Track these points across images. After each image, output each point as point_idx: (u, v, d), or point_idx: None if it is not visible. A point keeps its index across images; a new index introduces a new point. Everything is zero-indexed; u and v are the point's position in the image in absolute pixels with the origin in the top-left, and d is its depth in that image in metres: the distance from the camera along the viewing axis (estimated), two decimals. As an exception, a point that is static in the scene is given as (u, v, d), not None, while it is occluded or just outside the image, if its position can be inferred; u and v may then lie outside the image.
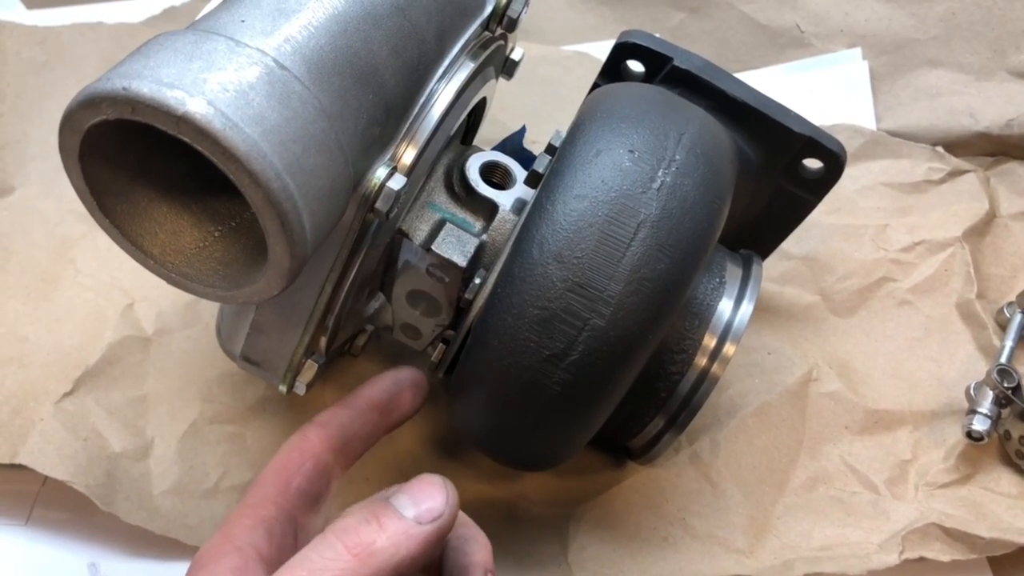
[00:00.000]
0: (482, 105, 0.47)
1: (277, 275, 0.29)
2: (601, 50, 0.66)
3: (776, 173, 0.47)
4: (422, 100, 0.37)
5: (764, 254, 0.51)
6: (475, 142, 0.50)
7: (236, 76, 0.27)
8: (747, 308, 0.41)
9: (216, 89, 0.27)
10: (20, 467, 0.44)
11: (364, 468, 0.47)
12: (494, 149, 0.46)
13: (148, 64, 0.27)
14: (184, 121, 0.26)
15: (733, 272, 0.43)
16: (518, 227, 0.38)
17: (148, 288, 0.52)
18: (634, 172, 0.35)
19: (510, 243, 0.37)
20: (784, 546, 0.45)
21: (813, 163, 0.46)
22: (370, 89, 0.33)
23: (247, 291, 0.30)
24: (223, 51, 0.28)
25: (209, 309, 0.52)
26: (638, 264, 0.34)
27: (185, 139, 0.26)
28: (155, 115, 0.26)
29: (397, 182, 0.35)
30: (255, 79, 0.28)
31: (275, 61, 0.29)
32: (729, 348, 0.40)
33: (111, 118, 0.27)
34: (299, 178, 0.28)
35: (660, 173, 0.36)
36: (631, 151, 0.36)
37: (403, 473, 0.47)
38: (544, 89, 0.65)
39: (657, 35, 0.46)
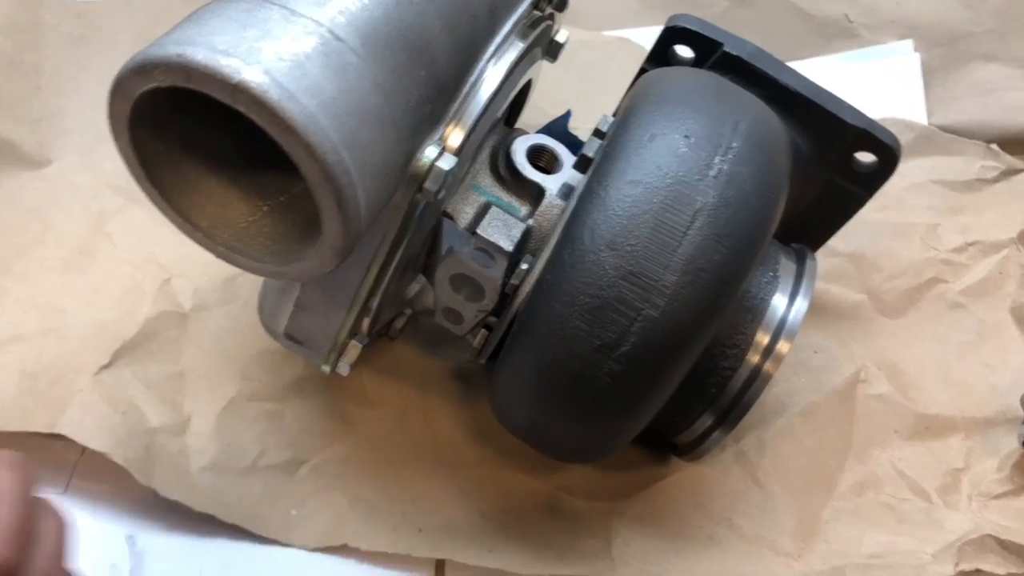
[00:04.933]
0: (527, 87, 0.46)
1: (330, 252, 0.28)
2: (643, 36, 0.65)
3: (827, 166, 0.46)
4: (472, 79, 0.36)
5: (811, 250, 0.50)
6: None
7: (292, 46, 0.26)
8: (802, 305, 0.39)
9: (272, 58, 0.26)
10: (58, 437, 0.44)
11: (402, 452, 0.47)
12: (539, 132, 0.45)
13: (201, 31, 0.26)
14: (239, 90, 0.25)
15: (787, 267, 0.41)
16: (568, 212, 0.37)
17: (185, 264, 0.51)
18: (690, 158, 0.34)
19: (559, 229, 0.37)
20: (833, 551, 0.43)
21: (866, 156, 0.45)
22: (422, 65, 0.32)
23: (298, 267, 0.29)
24: (278, 20, 0.27)
25: (246, 286, 0.51)
26: (694, 254, 0.33)
27: (240, 108, 0.25)
28: (210, 83, 0.25)
29: (447, 162, 0.34)
30: (311, 50, 0.27)
31: (330, 32, 0.28)
32: (783, 346, 0.39)
33: (163, 85, 0.26)
34: (355, 153, 0.27)
35: (717, 160, 0.35)
36: (687, 136, 0.35)
37: (442, 460, 0.47)
38: (584, 75, 0.63)
39: (705, 20, 0.45)
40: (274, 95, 0.25)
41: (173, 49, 0.26)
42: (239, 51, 0.26)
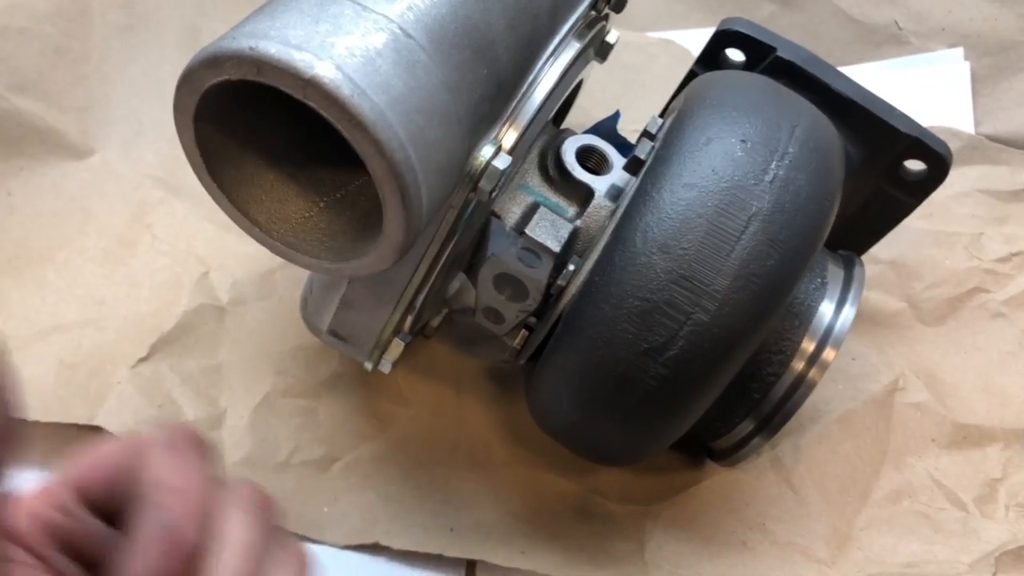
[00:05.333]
0: (577, 87, 0.46)
1: (390, 249, 0.28)
2: (687, 38, 0.64)
3: (876, 173, 0.45)
4: (530, 78, 0.36)
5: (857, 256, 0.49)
6: (558, 127, 0.49)
7: (363, 41, 0.26)
8: (849, 312, 0.39)
9: (344, 54, 0.26)
10: (96, 428, 0.44)
11: (434, 451, 0.47)
12: (587, 132, 0.45)
13: (274, 24, 0.26)
14: (311, 85, 0.25)
15: (835, 273, 0.41)
16: (618, 214, 0.37)
17: (223, 257, 0.52)
18: (747, 163, 0.34)
19: (609, 230, 0.36)
20: (868, 559, 0.43)
21: (915, 165, 0.44)
22: (485, 63, 0.31)
23: (355, 264, 0.29)
24: (349, 15, 0.27)
25: (283, 281, 0.51)
26: (747, 259, 0.33)
27: (311, 104, 0.25)
28: (281, 77, 0.25)
29: (503, 161, 0.33)
30: (382, 46, 0.27)
31: (400, 28, 0.28)
32: (829, 353, 0.38)
33: (234, 79, 0.26)
34: (420, 150, 0.27)
35: (773, 165, 0.34)
36: (743, 141, 0.35)
37: (475, 460, 0.46)
38: (627, 76, 0.63)
39: (754, 24, 0.44)
40: (346, 91, 0.25)
41: (246, 42, 0.26)
42: (312, 46, 0.26)
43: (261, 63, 0.25)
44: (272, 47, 0.25)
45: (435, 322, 0.49)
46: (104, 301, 0.50)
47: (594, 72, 0.52)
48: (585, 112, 0.58)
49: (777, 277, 0.34)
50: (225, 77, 0.26)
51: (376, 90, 0.25)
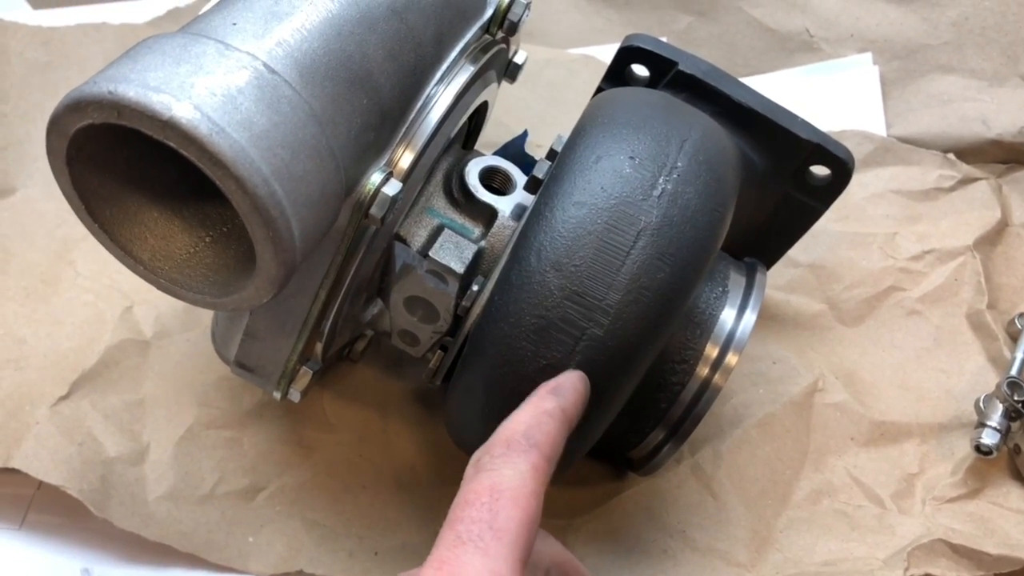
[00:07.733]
0: (483, 109, 0.46)
1: (266, 282, 0.28)
2: (608, 53, 0.65)
3: (783, 180, 0.46)
4: (419, 104, 0.36)
5: (770, 262, 0.50)
6: (477, 146, 0.49)
7: (224, 80, 0.27)
8: (750, 317, 0.40)
9: (203, 93, 0.26)
10: (14, 471, 0.44)
11: (360, 475, 0.47)
12: (495, 154, 0.46)
13: (135, 67, 0.27)
14: (170, 126, 0.25)
15: (736, 280, 0.42)
16: (516, 233, 0.37)
17: (147, 291, 0.50)
18: (635, 179, 0.35)
19: (508, 250, 0.37)
20: (786, 560, 0.44)
21: (820, 170, 0.45)
22: (364, 94, 0.32)
23: (236, 298, 0.30)
24: (212, 55, 0.27)
25: (208, 313, 0.51)
26: (637, 273, 0.34)
27: (171, 144, 0.26)
28: (141, 119, 0.26)
29: (392, 188, 0.34)
30: (244, 83, 0.27)
31: (265, 65, 0.28)
32: (731, 358, 0.39)
33: (97, 122, 0.26)
34: (287, 184, 0.27)
35: (661, 180, 0.35)
36: (632, 157, 0.35)
37: (400, 481, 0.47)
38: (549, 93, 0.64)
39: (663, 39, 0.45)
40: (204, 130, 0.25)
41: (105, 86, 0.26)
42: (171, 87, 0.26)
43: (121, 106, 0.26)
44: (131, 90, 0.26)
45: (361, 346, 0.50)
46: (25, 340, 0.49)
47: (516, 89, 0.52)
48: (508, 130, 0.59)
49: (668, 289, 0.34)
50: (88, 121, 0.26)
51: (236, 127, 0.26)
